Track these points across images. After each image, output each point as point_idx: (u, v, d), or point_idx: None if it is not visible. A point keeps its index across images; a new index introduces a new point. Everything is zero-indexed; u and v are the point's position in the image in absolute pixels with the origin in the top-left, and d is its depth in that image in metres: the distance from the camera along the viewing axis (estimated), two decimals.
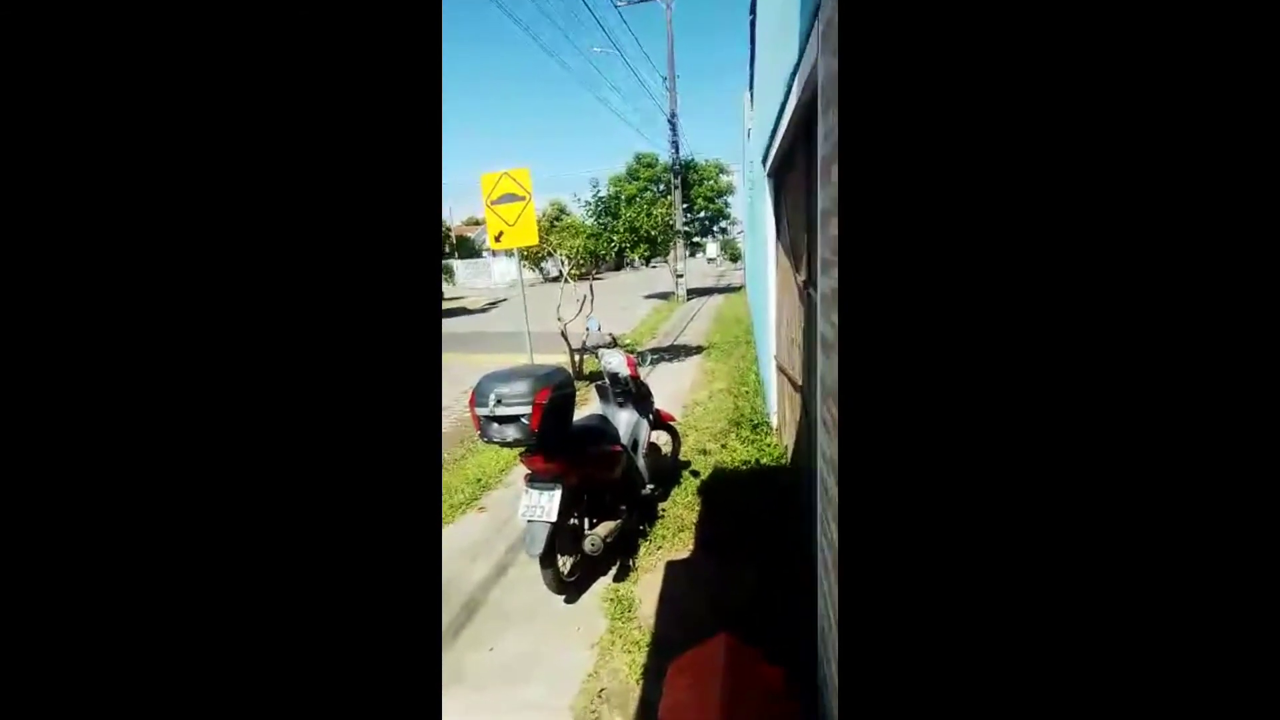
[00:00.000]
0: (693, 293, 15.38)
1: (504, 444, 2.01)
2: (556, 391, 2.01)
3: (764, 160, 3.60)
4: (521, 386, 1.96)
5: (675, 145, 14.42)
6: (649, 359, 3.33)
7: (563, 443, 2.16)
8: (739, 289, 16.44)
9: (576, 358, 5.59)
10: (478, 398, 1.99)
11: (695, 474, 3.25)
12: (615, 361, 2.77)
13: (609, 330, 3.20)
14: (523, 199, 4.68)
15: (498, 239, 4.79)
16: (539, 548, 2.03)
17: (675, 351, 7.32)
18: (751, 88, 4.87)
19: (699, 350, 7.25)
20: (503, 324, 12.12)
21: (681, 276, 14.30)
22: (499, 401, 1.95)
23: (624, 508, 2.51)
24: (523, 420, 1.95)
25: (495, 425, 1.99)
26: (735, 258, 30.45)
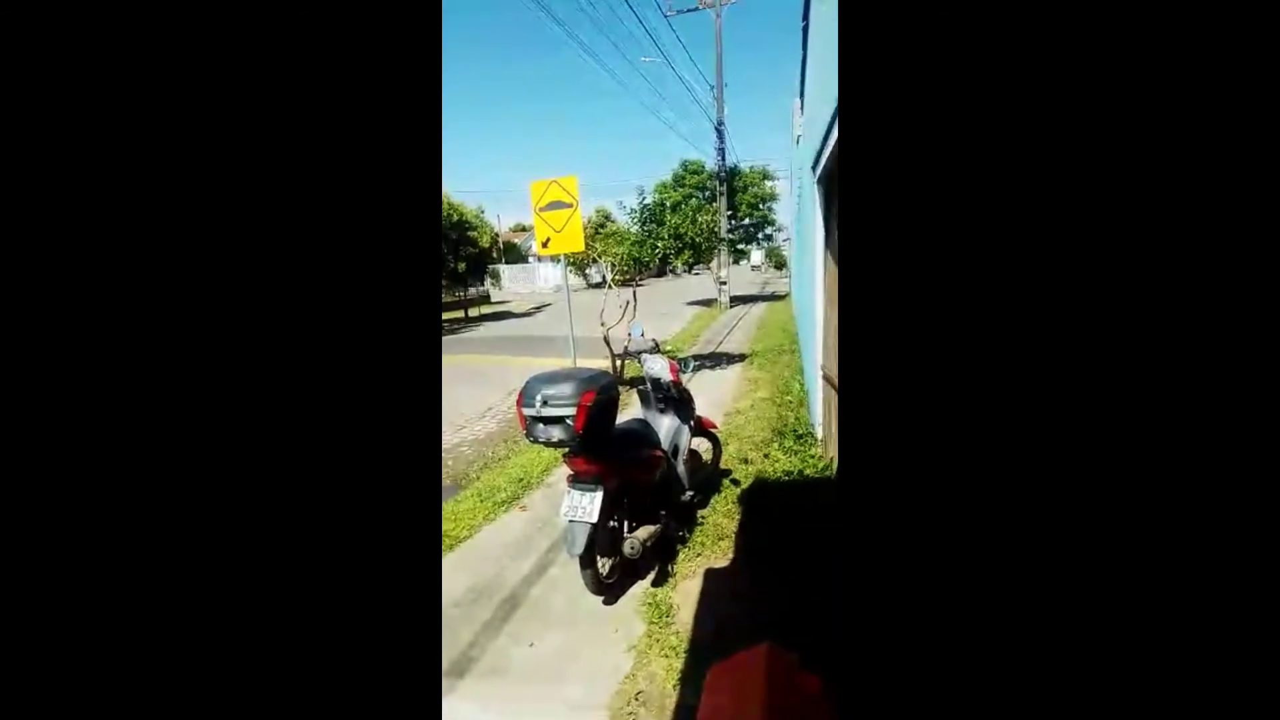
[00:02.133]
0: (736, 300, 15.25)
1: (549, 444, 2.05)
2: (601, 394, 2.04)
3: (814, 167, 3.55)
4: (567, 388, 2.00)
5: (721, 152, 14.40)
6: (692, 366, 3.33)
7: (605, 445, 2.19)
8: (783, 297, 16.19)
9: (618, 362, 5.63)
10: (525, 398, 2.04)
11: (735, 483, 3.22)
12: (658, 367, 2.78)
13: (651, 336, 3.22)
14: (570, 206, 4.78)
15: (545, 245, 4.90)
16: (579, 548, 2.06)
17: (717, 359, 7.28)
18: (802, 95, 4.83)
19: (741, 358, 7.18)
20: (547, 328, 12.35)
21: (725, 283, 14.22)
22: (545, 402, 2.00)
23: (664, 513, 2.51)
24: (567, 421, 1.99)
25: (541, 425, 2.04)
26: (780, 265, 30.00)
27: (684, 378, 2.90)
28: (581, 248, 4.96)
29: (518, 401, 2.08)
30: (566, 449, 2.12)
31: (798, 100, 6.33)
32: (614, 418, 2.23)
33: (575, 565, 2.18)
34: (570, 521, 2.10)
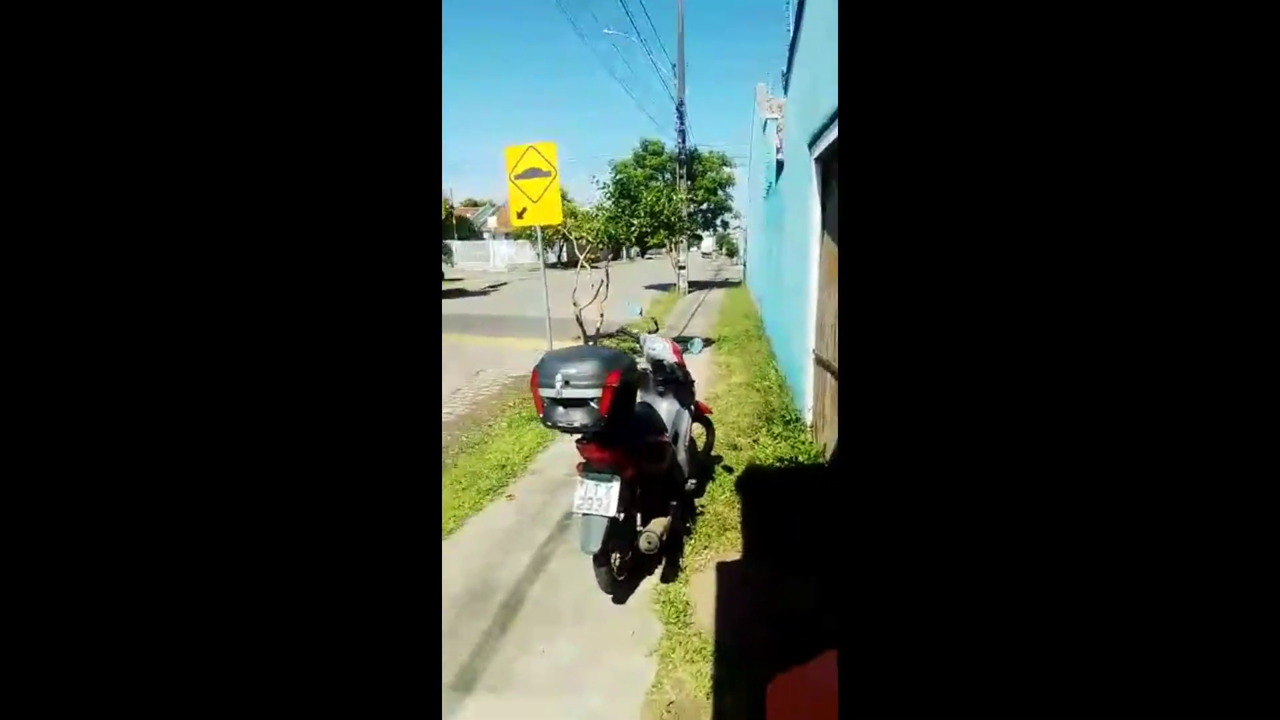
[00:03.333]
0: (693, 285, 15.23)
1: (569, 430, 1.82)
2: (626, 374, 1.83)
3: (810, 145, 3.44)
4: (589, 368, 1.77)
5: (682, 133, 14.20)
6: (698, 346, 3.14)
7: (621, 431, 1.98)
8: (736, 284, 16.33)
9: (590, 344, 5.41)
10: (542, 378, 1.80)
11: (729, 469, 3.11)
12: (660, 348, 2.60)
13: (652, 316, 3.02)
14: (548, 174, 4.47)
15: (520, 215, 4.58)
16: (596, 544, 1.86)
17: (684, 343, 7.18)
18: (789, 71, 4.70)
19: (709, 343, 7.10)
20: (505, 307, 11.85)
21: (684, 268, 14.12)
22: (566, 383, 1.76)
23: (674, 503, 2.35)
24: (592, 404, 1.77)
25: (560, 409, 1.80)
26: (732, 253, 30.36)
27: (687, 358, 2.73)
28: (559, 220, 4.67)
29: (533, 382, 1.84)
30: (580, 435, 1.90)
31: (761, 84, 6.23)
32: (634, 401, 2.03)
33: (576, 559, 1.99)
34: (584, 515, 1.90)
